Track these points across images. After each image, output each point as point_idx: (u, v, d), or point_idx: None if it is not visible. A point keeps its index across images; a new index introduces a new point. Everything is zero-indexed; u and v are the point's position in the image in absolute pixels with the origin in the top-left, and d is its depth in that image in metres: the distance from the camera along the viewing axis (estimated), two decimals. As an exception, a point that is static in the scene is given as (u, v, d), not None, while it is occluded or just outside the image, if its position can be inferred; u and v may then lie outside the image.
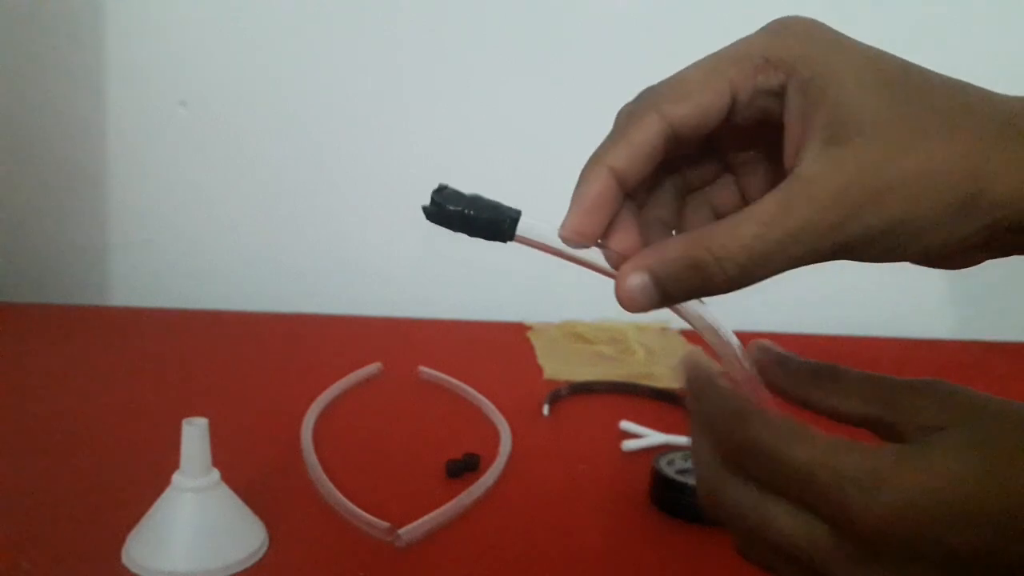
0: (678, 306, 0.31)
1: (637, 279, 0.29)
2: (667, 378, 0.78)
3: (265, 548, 0.45)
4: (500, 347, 0.89)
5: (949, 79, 0.29)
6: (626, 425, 0.65)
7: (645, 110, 0.30)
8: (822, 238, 0.27)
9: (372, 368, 0.77)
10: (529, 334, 0.93)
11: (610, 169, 0.30)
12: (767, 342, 0.32)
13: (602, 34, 0.99)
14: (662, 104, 0.29)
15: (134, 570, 0.42)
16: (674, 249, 0.28)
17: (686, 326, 1.08)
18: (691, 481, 0.51)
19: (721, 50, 0.30)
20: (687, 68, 0.30)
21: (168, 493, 0.44)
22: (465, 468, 0.56)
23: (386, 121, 1.00)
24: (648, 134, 0.29)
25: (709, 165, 0.34)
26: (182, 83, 1.00)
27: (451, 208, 0.30)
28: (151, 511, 0.44)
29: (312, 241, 1.04)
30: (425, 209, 0.30)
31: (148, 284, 1.05)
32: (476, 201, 0.30)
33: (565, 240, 0.30)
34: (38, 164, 1.01)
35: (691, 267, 0.28)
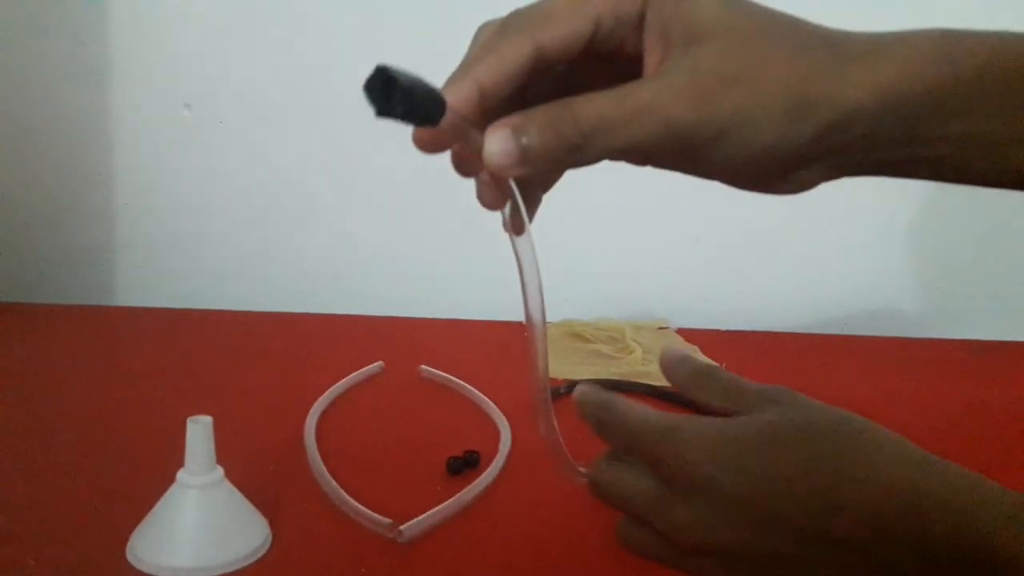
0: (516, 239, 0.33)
1: (499, 134, 0.29)
2: (663, 376, 0.78)
3: (268, 544, 0.45)
4: (500, 346, 0.89)
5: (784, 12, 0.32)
6: (625, 423, 0.65)
7: (515, 31, 0.30)
8: (671, 118, 0.29)
9: (374, 367, 0.78)
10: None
11: (477, 83, 0.30)
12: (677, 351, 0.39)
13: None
14: (531, 27, 0.30)
15: (138, 567, 0.43)
16: (539, 110, 0.29)
17: (683, 325, 1.07)
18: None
19: None
20: None
21: (172, 490, 0.44)
22: (466, 465, 0.56)
23: (388, 121, 1.01)
24: (519, 53, 0.29)
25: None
26: (186, 86, 1.00)
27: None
28: (156, 508, 0.44)
29: (315, 241, 1.05)
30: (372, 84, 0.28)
31: (152, 284, 1.05)
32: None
33: (417, 140, 0.31)
34: (43, 165, 1.01)
35: (551, 125, 0.29)
